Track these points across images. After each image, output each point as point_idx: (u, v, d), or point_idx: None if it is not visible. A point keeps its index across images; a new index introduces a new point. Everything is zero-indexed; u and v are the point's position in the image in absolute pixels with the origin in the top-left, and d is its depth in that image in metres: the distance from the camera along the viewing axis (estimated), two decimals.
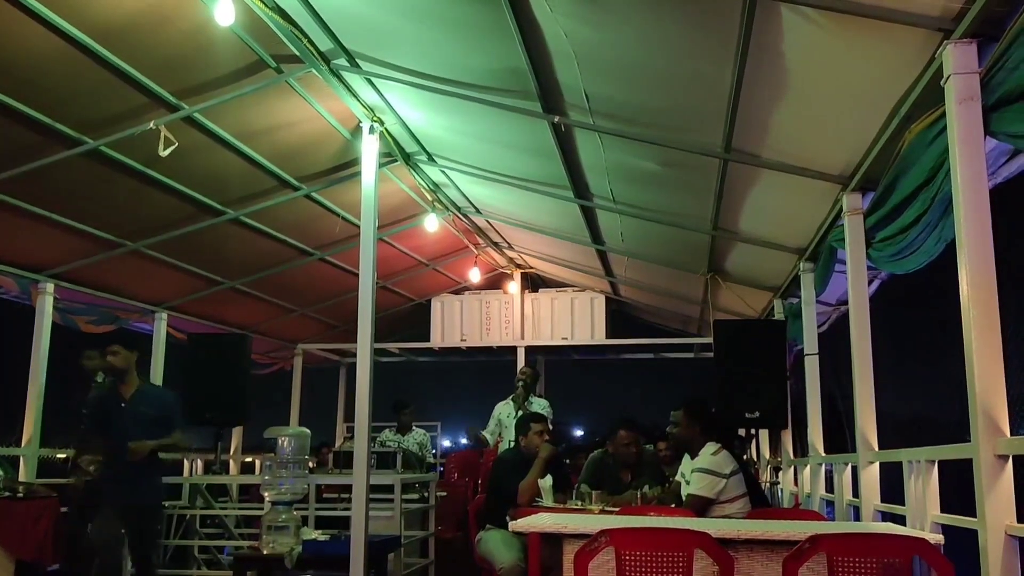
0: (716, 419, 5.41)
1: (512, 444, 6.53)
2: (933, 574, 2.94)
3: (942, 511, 3.42)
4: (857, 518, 4.66)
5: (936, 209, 3.47)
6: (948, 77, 2.87)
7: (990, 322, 2.75)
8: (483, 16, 3.92)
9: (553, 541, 3.73)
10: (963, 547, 3.04)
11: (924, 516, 3.45)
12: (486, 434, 8.25)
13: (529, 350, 10.61)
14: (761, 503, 5.44)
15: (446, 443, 10.19)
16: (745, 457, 8.23)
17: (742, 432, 8.05)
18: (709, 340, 8.29)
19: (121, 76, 4.64)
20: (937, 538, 3.14)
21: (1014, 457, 2.70)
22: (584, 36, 3.89)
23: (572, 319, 10.43)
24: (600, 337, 10.30)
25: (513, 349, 10.49)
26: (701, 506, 4.87)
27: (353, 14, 4.47)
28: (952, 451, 3.22)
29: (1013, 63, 2.73)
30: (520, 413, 8.00)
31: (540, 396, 8.87)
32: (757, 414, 6.91)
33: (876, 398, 4.41)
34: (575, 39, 3.91)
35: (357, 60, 4.91)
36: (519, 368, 8.29)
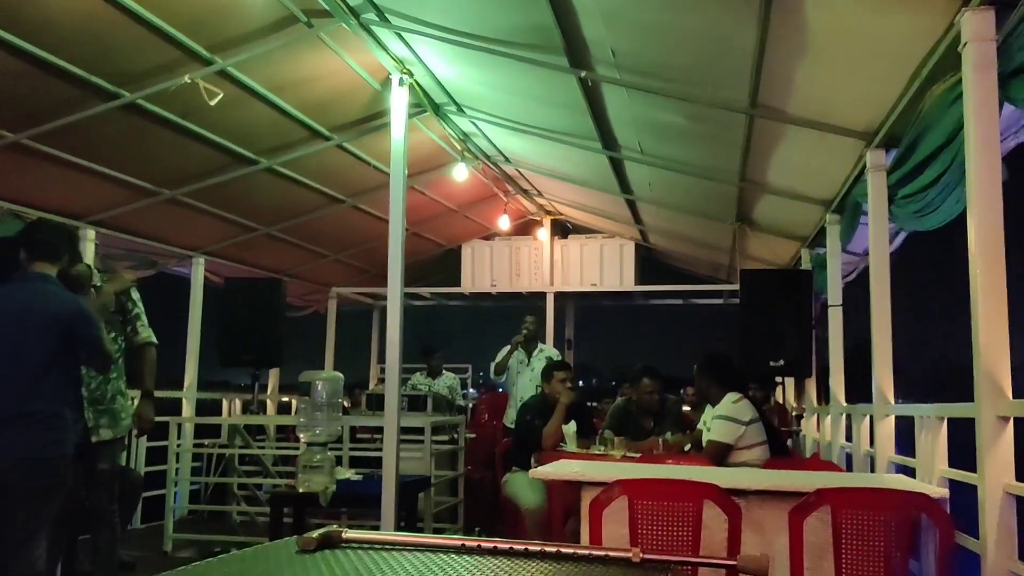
0: (732, 369, 5.51)
1: (538, 390, 6.69)
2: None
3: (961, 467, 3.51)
4: (873, 469, 4.77)
5: (955, 170, 3.49)
6: (965, 44, 2.89)
7: (996, 286, 2.82)
8: None
9: (575, 484, 3.90)
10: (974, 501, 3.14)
11: (932, 470, 3.56)
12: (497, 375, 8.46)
13: (558, 296, 10.74)
14: (780, 451, 5.57)
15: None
16: (772, 403, 8.37)
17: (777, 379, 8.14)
18: (737, 287, 8.36)
19: (155, 31, 4.73)
20: (940, 492, 3.25)
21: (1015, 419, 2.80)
22: None
23: (601, 265, 10.49)
24: (629, 283, 10.36)
25: (543, 295, 10.61)
26: (719, 452, 5.01)
27: None
28: (957, 410, 3.32)
29: None
30: (528, 360, 8.17)
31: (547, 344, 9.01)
32: (781, 362, 6.99)
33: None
34: None
35: (386, 15, 4.97)
36: (527, 317, 8.38)
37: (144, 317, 4.79)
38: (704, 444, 5.29)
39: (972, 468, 3.26)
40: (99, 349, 4.03)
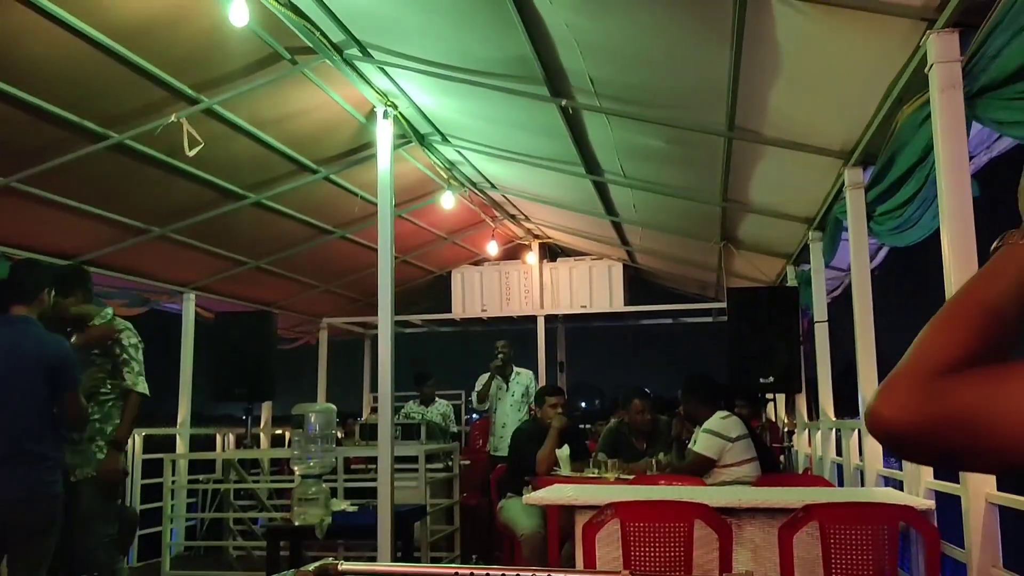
0: (716, 388, 5.57)
1: (529, 416, 6.73)
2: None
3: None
4: (863, 482, 4.82)
5: (931, 186, 3.57)
6: (931, 65, 2.98)
7: None
8: (486, 7, 4.05)
9: (569, 508, 3.94)
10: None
11: (918, 482, 3.61)
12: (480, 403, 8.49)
13: (549, 319, 10.78)
14: (772, 467, 5.62)
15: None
16: (763, 419, 8.42)
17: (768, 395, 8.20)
18: (725, 305, 8.43)
19: (141, 73, 4.79)
20: (926, 503, 3.30)
21: None
22: (585, 26, 4.02)
23: (591, 287, 10.53)
24: (619, 304, 10.39)
25: (533, 318, 10.65)
26: (702, 464, 5.04)
27: (362, 7, 4.62)
28: None
29: (994, 51, 2.83)
30: (507, 385, 8.21)
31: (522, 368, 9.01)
32: (771, 379, 7.05)
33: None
34: (576, 29, 4.03)
35: (369, 50, 5.05)
36: (499, 343, 8.42)
37: (135, 364, 4.67)
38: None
39: (956, 479, 3.32)
40: (78, 397, 4.07)
